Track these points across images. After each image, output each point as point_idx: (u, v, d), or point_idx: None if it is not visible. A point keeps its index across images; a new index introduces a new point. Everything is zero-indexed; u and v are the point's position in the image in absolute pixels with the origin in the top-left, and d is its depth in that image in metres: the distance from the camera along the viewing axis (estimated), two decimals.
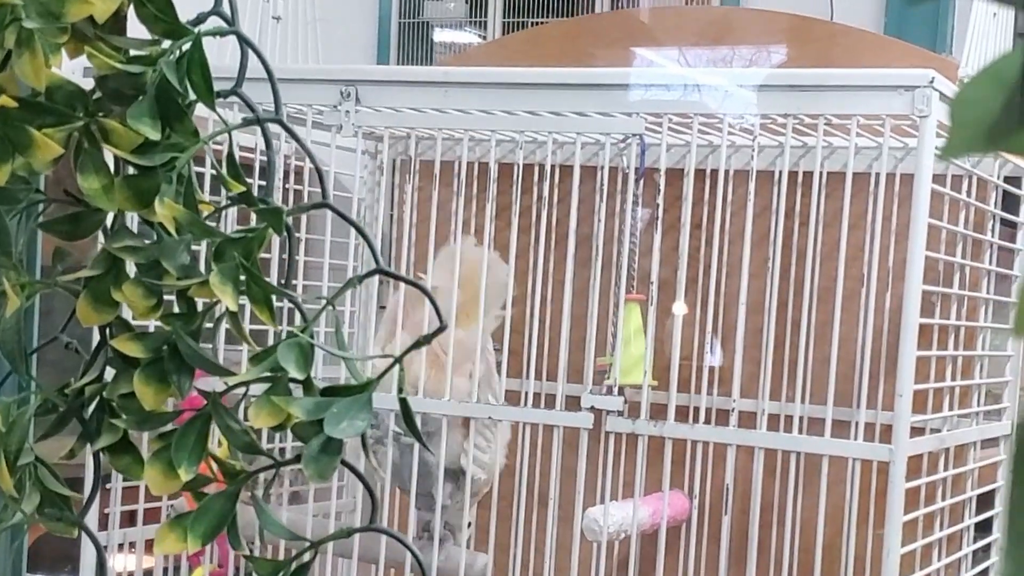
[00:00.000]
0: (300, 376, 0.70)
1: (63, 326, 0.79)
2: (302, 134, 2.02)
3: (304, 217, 2.24)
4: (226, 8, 0.75)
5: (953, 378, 2.13)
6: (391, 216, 2.38)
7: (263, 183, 1.99)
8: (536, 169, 2.11)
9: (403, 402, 0.70)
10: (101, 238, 0.75)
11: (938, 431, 2.06)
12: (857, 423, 1.83)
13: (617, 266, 2.02)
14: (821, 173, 1.95)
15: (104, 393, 0.75)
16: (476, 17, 4.62)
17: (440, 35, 4.69)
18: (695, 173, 1.97)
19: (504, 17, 4.56)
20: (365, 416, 0.69)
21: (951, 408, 2.11)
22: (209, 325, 0.74)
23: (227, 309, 0.71)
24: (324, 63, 3.50)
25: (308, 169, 2.25)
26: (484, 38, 4.55)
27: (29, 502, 0.76)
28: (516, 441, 2.03)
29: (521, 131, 2.03)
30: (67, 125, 0.69)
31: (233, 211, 1.74)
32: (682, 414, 1.94)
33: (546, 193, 2.04)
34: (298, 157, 2.24)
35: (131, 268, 0.75)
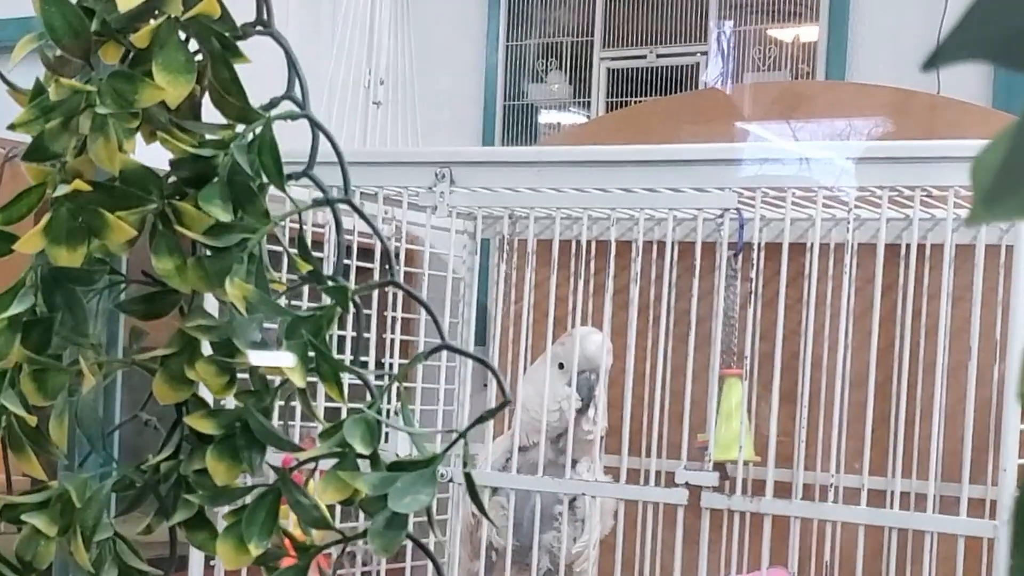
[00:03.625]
0: (366, 451, 0.70)
1: (143, 404, 0.81)
2: (399, 215, 2.05)
3: (400, 296, 2.26)
4: (297, 92, 0.77)
5: None
6: (494, 294, 2.40)
7: (368, 264, 2.02)
8: (631, 246, 2.11)
9: (467, 476, 0.71)
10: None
11: None
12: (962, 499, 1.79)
13: (712, 342, 2.00)
14: (922, 245, 1.92)
15: (180, 469, 0.77)
16: (580, 98, 4.65)
17: (545, 116, 4.73)
18: (793, 248, 1.96)
19: (608, 97, 4.58)
20: (429, 491, 0.69)
21: None
22: (282, 403, 0.75)
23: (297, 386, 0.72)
24: (427, 146, 3.55)
25: (404, 249, 2.28)
26: (589, 118, 4.57)
27: None
28: (614, 517, 2.02)
29: (614, 208, 2.03)
30: (141, 208, 0.72)
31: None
32: (783, 490, 1.91)
33: (639, 269, 2.04)
34: (396, 237, 2.27)
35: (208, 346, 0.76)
